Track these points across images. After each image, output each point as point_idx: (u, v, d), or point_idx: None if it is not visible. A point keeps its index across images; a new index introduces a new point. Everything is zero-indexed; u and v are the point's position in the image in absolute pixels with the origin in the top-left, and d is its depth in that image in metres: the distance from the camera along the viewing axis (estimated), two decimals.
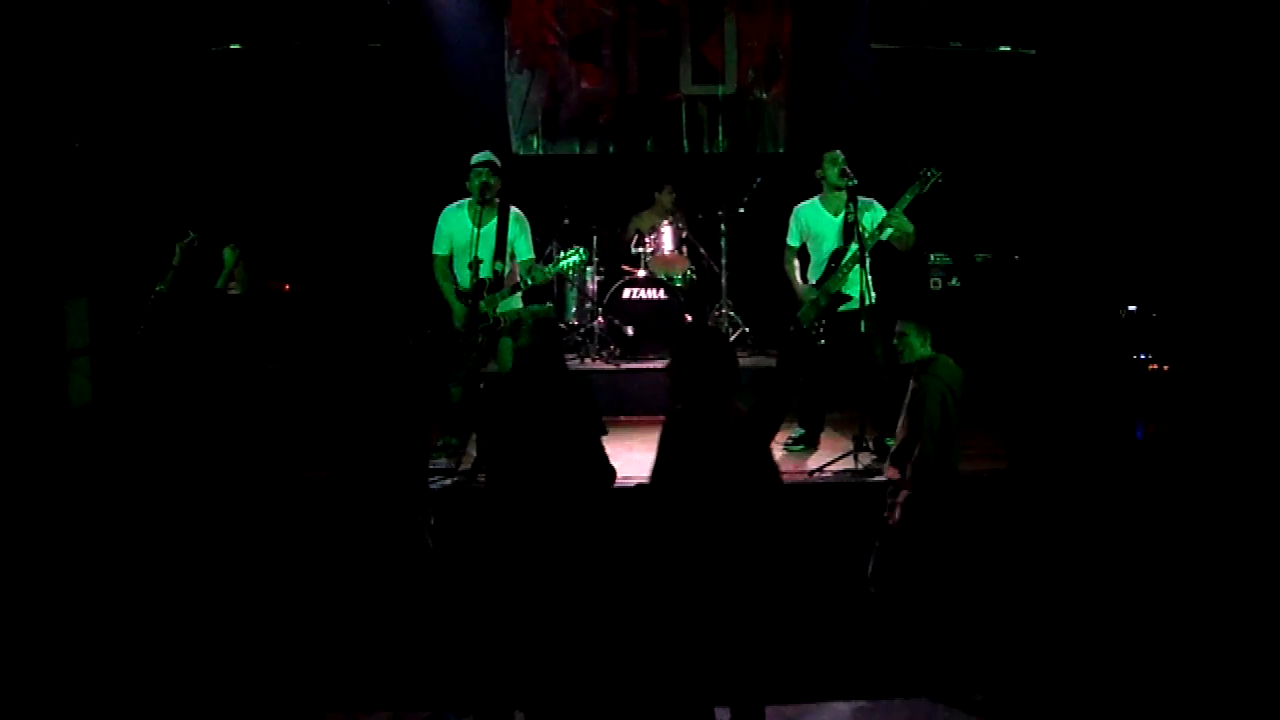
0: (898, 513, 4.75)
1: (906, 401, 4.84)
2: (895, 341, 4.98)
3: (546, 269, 6.22)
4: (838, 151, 6.21)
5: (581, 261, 6.31)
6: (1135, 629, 5.03)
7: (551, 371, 4.36)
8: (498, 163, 6.17)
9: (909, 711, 4.67)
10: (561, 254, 6.26)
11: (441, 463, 5.97)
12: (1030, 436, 6.68)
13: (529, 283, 6.14)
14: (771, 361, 7.94)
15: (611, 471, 4.31)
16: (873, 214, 6.10)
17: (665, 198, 8.70)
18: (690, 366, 3.94)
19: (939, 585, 4.75)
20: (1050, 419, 6.98)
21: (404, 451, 4.56)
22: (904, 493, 4.74)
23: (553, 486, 4.15)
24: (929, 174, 5.96)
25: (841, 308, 6.18)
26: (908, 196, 5.98)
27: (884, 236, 6.07)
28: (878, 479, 5.85)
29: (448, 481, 5.77)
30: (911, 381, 4.85)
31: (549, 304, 8.04)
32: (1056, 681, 4.80)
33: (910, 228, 6.04)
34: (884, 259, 6.31)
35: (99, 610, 4.91)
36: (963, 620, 4.86)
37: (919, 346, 4.86)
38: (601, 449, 4.29)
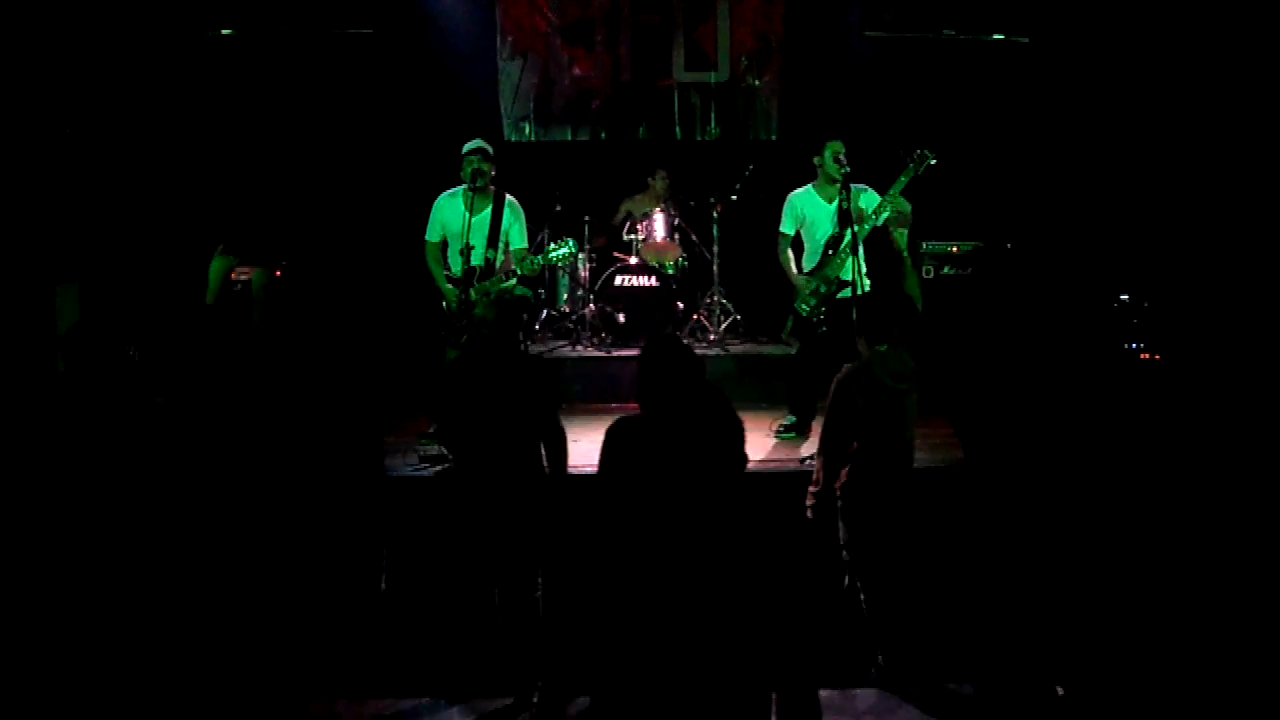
0: (806, 501, 4.68)
1: None
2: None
3: (536, 260, 6.19)
4: (839, 142, 6.20)
5: (570, 254, 6.29)
6: (1126, 620, 5.05)
7: (504, 348, 4.50)
8: (489, 149, 6.14)
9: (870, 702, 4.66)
10: (551, 245, 6.24)
11: (433, 450, 5.96)
12: (1023, 430, 6.70)
13: (519, 272, 6.14)
14: (762, 349, 7.99)
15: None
16: (867, 198, 6.10)
17: (659, 183, 8.69)
18: (654, 376, 3.79)
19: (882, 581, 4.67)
20: (1044, 410, 7.01)
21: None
22: (813, 487, 4.65)
23: (506, 462, 4.32)
24: (923, 156, 5.96)
25: (839, 294, 6.19)
26: (902, 179, 5.98)
27: (880, 221, 6.06)
28: None
29: (439, 468, 5.78)
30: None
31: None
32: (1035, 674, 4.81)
33: (908, 208, 6.02)
34: (877, 248, 6.31)
35: (83, 589, 4.88)
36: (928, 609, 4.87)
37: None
38: (556, 422, 4.45)
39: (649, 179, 8.74)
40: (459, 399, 4.45)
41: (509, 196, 6.17)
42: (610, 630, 3.64)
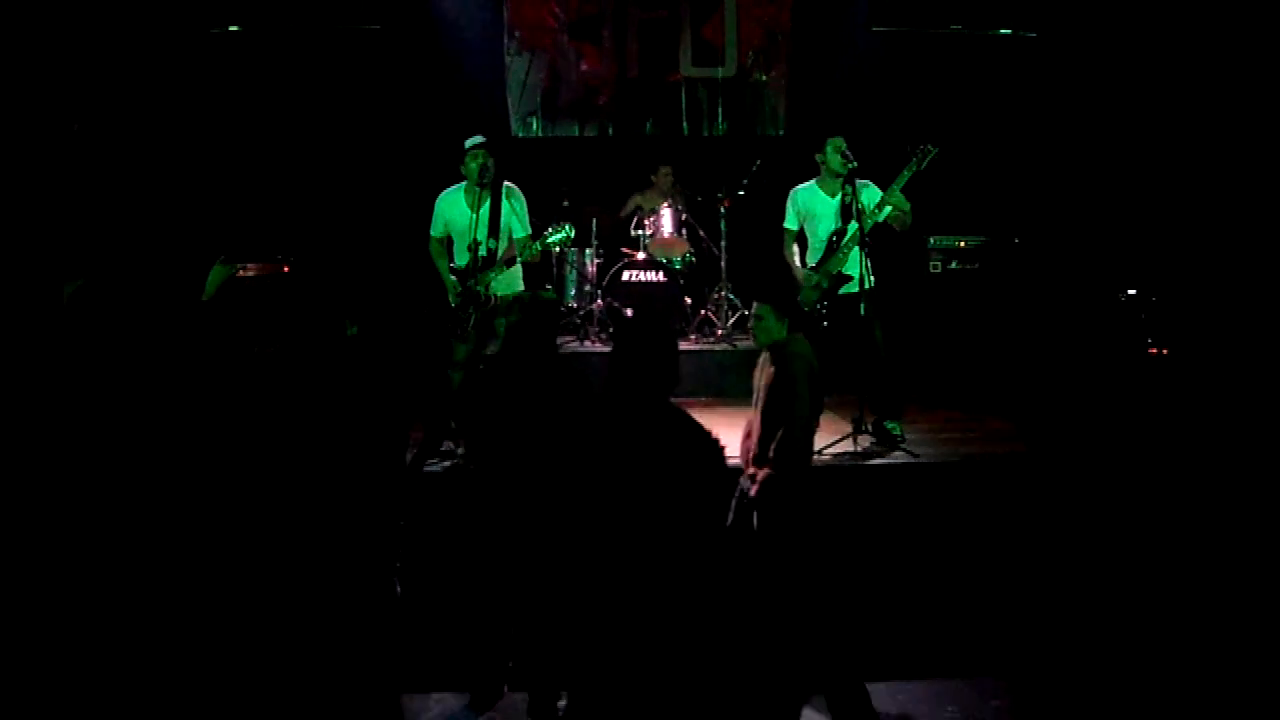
0: (754, 490, 4.58)
1: (766, 384, 4.62)
2: (751, 324, 4.83)
3: (535, 245, 6.17)
4: (840, 138, 6.20)
5: (567, 238, 6.25)
6: (1141, 614, 5.04)
7: (540, 351, 4.36)
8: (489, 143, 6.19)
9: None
10: (549, 230, 6.19)
11: (442, 445, 5.97)
12: (1030, 422, 6.69)
13: (520, 259, 6.15)
14: None
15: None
16: (869, 194, 6.09)
17: (663, 179, 8.68)
18: (630, 362, 3.57)
19: (812, 572, 4.56)
20: (1050, 403, 7.00)
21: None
22: (765, 472, 4.50)
23: (538, 468, 4.11)
24: (926, 149, 5.95)
25: (841, 290, 6.18)
26: (905, 174, 5.98)
27: (881, 217, 6.06)
28: (877, 461, 5.88)
29: (446, 464, 5.79)
30: (770, 365, 4.63)
31: (549, 287, 8.07)
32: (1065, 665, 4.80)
33: (907, 206, 6.03)
34: (883, 242, 6.31)
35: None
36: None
37: (776, 329, 4.69)
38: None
39: (651, 175, 8.74)
40: (491, 407, 4.34)
41: (506, 183, 6.18)
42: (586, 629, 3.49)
